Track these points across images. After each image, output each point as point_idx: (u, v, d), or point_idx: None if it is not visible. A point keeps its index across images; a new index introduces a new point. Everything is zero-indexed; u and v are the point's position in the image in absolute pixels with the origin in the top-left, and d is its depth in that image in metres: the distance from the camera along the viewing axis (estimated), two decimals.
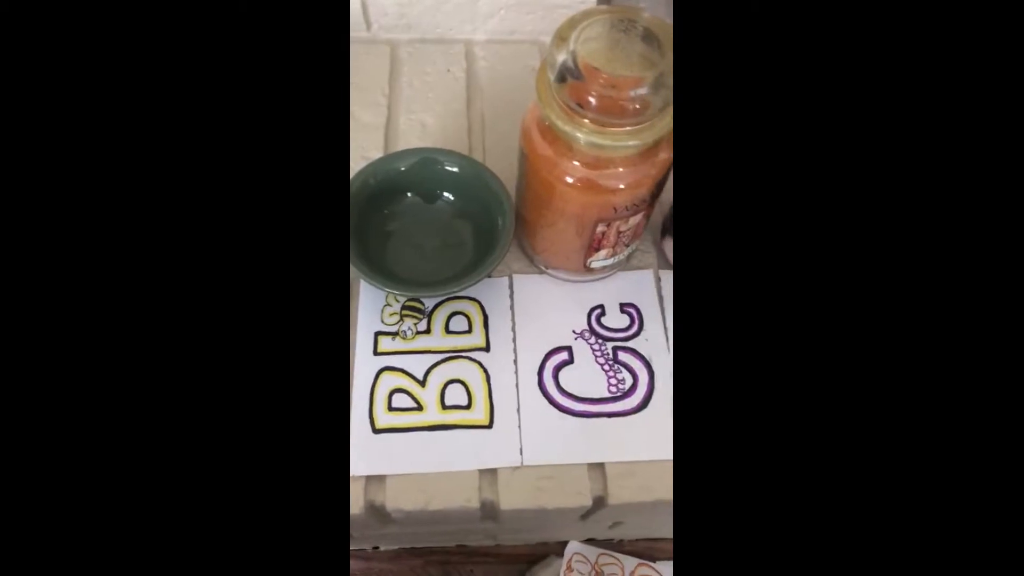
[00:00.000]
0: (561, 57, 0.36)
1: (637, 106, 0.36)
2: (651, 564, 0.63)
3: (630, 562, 0.63)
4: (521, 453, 0.43)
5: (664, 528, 0.60)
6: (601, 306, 0.48)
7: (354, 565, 0.64)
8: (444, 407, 0.44)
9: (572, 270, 0.48)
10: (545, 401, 0.45)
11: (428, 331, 0.46)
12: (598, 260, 0.46)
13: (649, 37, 0.36)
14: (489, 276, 0.48)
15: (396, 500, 0.42)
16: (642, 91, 0.36)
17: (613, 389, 0.45)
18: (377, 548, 0.65)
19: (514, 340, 0.47)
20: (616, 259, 0.46)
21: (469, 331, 0.47)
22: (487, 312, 0.47)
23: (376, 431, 0.43)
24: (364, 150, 0.54)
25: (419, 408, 0.44)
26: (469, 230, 0.48)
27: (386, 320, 0.47)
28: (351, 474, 0.42)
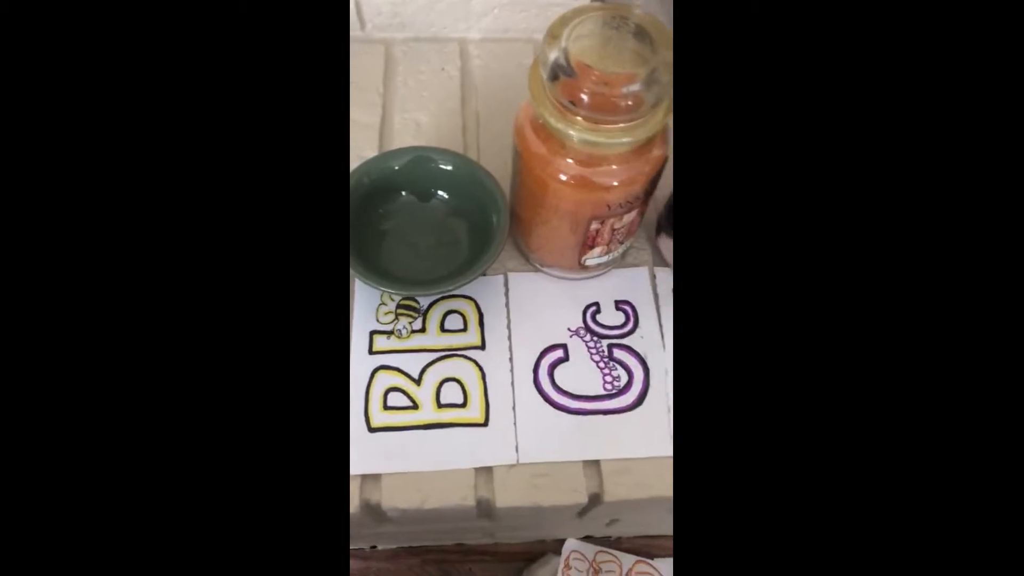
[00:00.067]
0: (553, 55, 0.36)
1: (630, 103, 0.36)
2: (649, 561, 0.63)
3: (628, 559, 0.63)
4: (517, 451, 0.43)
5: (661, 525, 0.60)
6: (596, 303, 0.48)
7: (352, 564, 0.64)
8: (440, 405, 0.44)
9: (567, 268, 0.48)
10: (540, 399, 0.45)
11: (423, 330, 0.46)
12: (593, 258, 0.46)
13: (641, 34, 0.36)
14: (484, 274, 0.48)
15: (392, 499, 0.42)
16: (634, 88, 0.36)
17: (608, 386, 0.45)
18: (375, 547, 0.65)
19: (509, 338, 0.47)
20: (611, 256, 0.46)
21: (464, 329, 0.47)
22: (482, 310, 0.47)
23: (372, 430, 0.43)
24: (359, 149, 0.54)
25: (414, 407, 0.44)
26: (464, 228, 0.48)
27: (381, 319, 0.47)
28: None
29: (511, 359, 0.46)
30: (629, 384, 0.45)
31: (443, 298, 0.48)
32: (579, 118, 0.36)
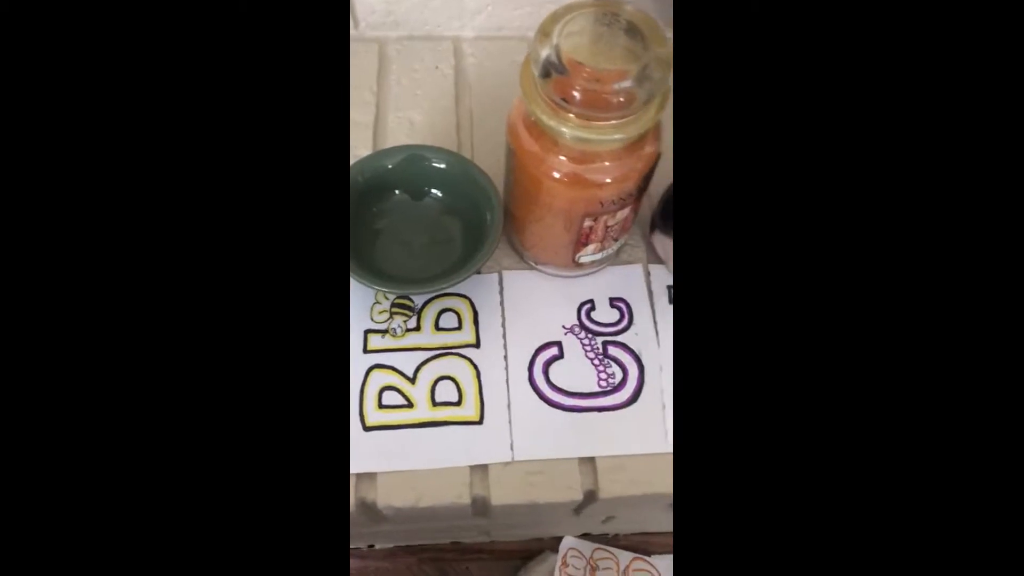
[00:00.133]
0: (544, 52, 0.36)
1: (621, 99, 0.36)
2: (646, 558, 0.63)
3: (625, 557, 0.63)
4: (512, 448, 0.43)
5: (658, 522, 0.60)
6: (591, 301, 0.48)
7: (350, 564, 0.64)
8: (434, 404, 0.44)
9: (561, 265, 0.48)
10: (535, 396, 0.45)
11: (418, 328, 0.46)
12: (586, 255, 0.46)
13: (632, 30, 0.36)
14: (479, 272, 0.48)
15: (387, 497, 0.42)
16: (626, 84, 0.35)
17: (603, 383, 0.45)
18: (372, 546, 0.65)
19: (504, 336, 0.47)
20: (605, 254, 0.46)
21: (459, 328, 0.47)
22: (477, 308, 0.47)
23: (366, 429, 0.43)
24: (353, 148, 0.54)
25: (409, 405, 0.44)
26: (458, 226, 0.48)
27: (375, 318, 0.47)
28: None
29: (506, 357, 0.46)
30: (624, 381, 0.45)
31: (437, 296, 0.48)
32: (571, 115, 0.36)
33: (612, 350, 0.46)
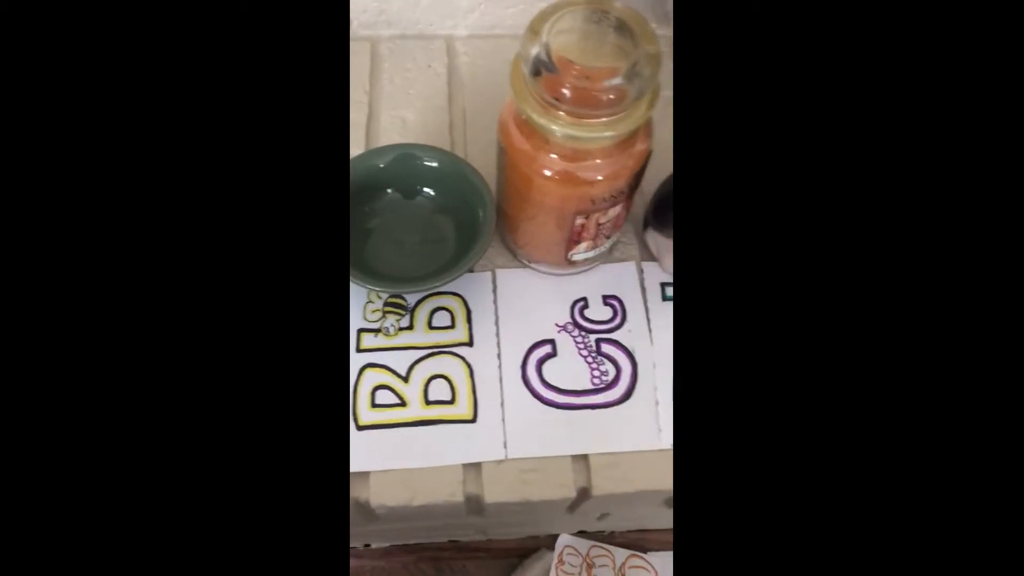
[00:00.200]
0: (534, 50, 0.36)
1: (612, 96, 0.36)
2: (642, 555, 0.63)
3: (621, 554, 0.63)
4: (505, 447, 0.43)
5: (653, 519, 0.61)
6: (584, 299, 0.48)
7: None
8: (427, 403, 0.44)
9: (554, 263, 0.48)
10: (528, 394, 0.45)
11: (411, 327, 0.46)
12: (579, 253, 0.46)
13: (622, 27, 0.36)
14: (472, 271, 0.48)
15: (380, 496, 0.42)
16: (616, 81, 0.36)
17: (596, 381, 0.45)
18: (368, 546, 0.65)
19: (497, 334, 0.47)
20: (597, 251, 0.46)
21: (452, 326, 0.47)
22: (470, 307, 0.47)
23: (359, 428, 0.43)
24: None
25: (402, 404, 0.44)
26: (450, 225, 0.48)
27: (368, 317, 0.47)
28: None
29: (499, 355, 0.46)
30: (617, 378, 0.45)
31: (431, 295, 0.48)
32: (562, 113, 0.36)
33: (605, 347, 0.46)
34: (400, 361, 0.45)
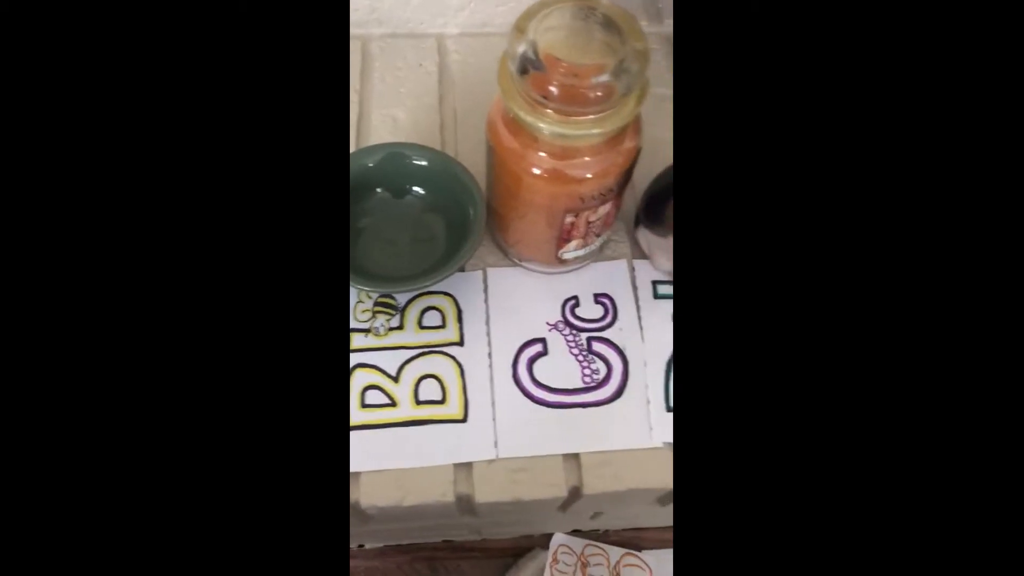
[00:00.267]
0: (521, 48, 0.36)
1: (599, 94, 0.36)
2: (636, 553, 0.63)
3: (615, 552, 0.63)
4: (496, 446, 0.43)
5: (646, 517, 0.60)
6: (575, 297, 0.48)
7: None
8: (418, 403, 0.44)
9: (545, 262, 0.47)
10: (519, 393, 0.44)
11: (401, 327, 0.46)
12: (570, 251, 0.45)
13: (609, 24, 0.36)
14: (462, 270, 0.48)
15: (371, 497, 0.41)
16: (604, 78, 0.35)
17: (587, 379, 0.45)
18: (362, 546, 0.65)
19: (488, 333, 0.46)
20: (588, 250, 0.46)
21: (443, 326, 0.46)
22: (461, 306, 0.47)
23: (350, 428, 0.43)
24: None
25: (392, 404, 0.44)
26: (440, 224, 0.48)
27: (358, 317, 0.46)
28: None
29: (490, 354, 0.46)
30: (608, 377, 0.45)
31: (421, 295, 0.47)
32: (549, 111, 0.36)
33: (596, 346, 0.46)
34: (390, 361, 0.45)
